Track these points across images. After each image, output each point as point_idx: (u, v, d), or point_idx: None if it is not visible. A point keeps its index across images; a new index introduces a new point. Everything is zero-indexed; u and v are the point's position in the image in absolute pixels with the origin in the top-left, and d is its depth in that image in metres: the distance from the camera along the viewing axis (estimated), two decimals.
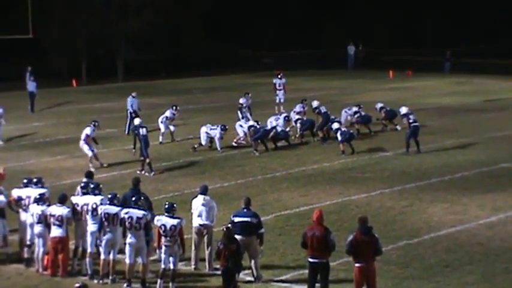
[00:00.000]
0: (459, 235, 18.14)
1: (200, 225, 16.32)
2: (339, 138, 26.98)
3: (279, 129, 28.42)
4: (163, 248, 15.17)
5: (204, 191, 16.53)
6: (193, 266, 16.35)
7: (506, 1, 62.68)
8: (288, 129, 29.32)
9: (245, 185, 23.19)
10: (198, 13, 59.94)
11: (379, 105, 31.75)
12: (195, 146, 28.08)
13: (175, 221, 15.13)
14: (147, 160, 24.75)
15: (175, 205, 15.55)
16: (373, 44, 62.08)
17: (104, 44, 54.91)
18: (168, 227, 15.10)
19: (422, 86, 46.27)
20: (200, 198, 16.43)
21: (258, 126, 28.21)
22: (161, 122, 29.90)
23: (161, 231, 15.18)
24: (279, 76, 37.19)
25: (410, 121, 26.96)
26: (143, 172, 24.55)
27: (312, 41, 65.06)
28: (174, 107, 30.56)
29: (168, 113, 30.16)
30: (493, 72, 49.67)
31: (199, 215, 16.35)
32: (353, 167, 25.13)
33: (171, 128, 30.13)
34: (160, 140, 29.58)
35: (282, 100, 36.42)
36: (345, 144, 26.80)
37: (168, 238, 15.10)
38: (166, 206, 15.37)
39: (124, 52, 55.85)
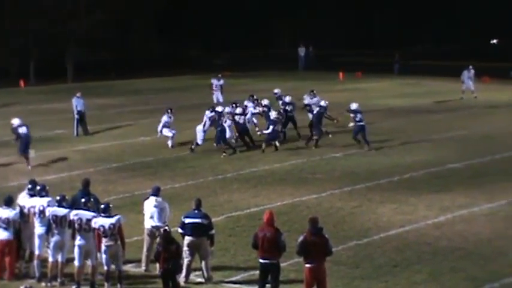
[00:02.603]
0: (408, 235, 18.33)
1: (152, 226, 16.21)
2: (269, 129, 27.42)
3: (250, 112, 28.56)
4: (104, 248, 15.06)
5: (156, 192, 16.43)
6: (143, 268, 16.26)
7: (454, 4, 63.61)
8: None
9: (196, 186, 23.14)
10: (149, 13, 59.67)
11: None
12: (192, 147, 27.56)
13: (113, 220, 15.04)
14: (26, 155, 25.16)
15: (111, 205, 15.46)
16: (324, 46, 62.47)
17: (54, 44, 54.32)
18: (107, 226, 14.99)
19: (371, 88, 46.68)
20: (152, 200, 16.33)
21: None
22: (164, 127, 28.61)
23: (101, 233, 15.06)
24: (218, 77, 37.08)
25: (357, 119, 27.28)
26: (29, 167, 25.04)
27: (263, 42, 65.25)
28: (170, 110, 29.15)
29: (165, 118, 28.77)
30: (442, 74, 50.30)
31: (151, 217, 16.25)
32: (303, 168, 25.24)
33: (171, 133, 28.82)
34: (171, 144, 28.54)
35: (220, 100, 36.35)
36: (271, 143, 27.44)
37: (108, 238, 15.00)
38: (102, 207, 15.27)
39: (74, 52, 55.32)
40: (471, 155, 26.54)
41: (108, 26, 55.08)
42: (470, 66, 41.41)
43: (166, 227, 15.02)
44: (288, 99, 30.25)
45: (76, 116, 31.51)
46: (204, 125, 27.72)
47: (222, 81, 36.93)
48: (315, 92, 31.64)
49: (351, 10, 66.35)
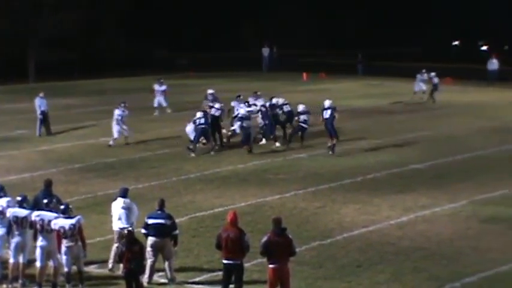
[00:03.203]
0: (371, 235, 18.44)
1: (120, 228, 16.10)
2: (235, 126, 27.31)
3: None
4: (64, 249, 14.95)
5: (123, 194, 16.34)
6: (110, 266, 16.13)
7: (418, 7, 64.10)
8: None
9: (159, 186, 23.06)
10: (114, 13, 59.30)
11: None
12: (190, 146, 27.33)
13: (73, 220, 14.94)
14: None
15: (70, 206, 15.37)
16: (288, 46, 62.57)
17: (15, 43, 53.75)
18: (67, 227, 14.88)
19: (335, 88, 46.82)
20: (120, 201, 16.23)
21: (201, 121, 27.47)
22: (116, 123, 28.47)
23: (61, 234, 14.93)
24: (160, 82, 36.47)
25: (301, 120, 27.81)
26: None
27: (227, 43, 65.13)
28: (123, 104, 29.03)
29: (117, 112, 28.57)
30: (405, 75, 50.57)
31: (119, 218, 16.16)
32: (267, 169, 25.27)
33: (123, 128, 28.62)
34: (111, 143, 28.59)
35: (164, 104, 35.94)
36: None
37: (68, 239, 14.88)
38: (62, 208, 15.15)
39: (36, 52, 54.81)
40: (434, 156, 26.77)
41: (73, 26, 54.63)
42: (424, 70, 42.24)
43: (130, 228, 14.99)
44: (274, 101, 30.14)
45: (39, 116, 31.21)
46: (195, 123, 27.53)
47: (164, 87, 36.14)
48: (258, 93, 31.44)
49: (315, 11, 66.50)
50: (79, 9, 55.29)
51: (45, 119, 31.31)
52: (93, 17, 57.35)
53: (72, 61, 56.72)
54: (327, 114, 27.34)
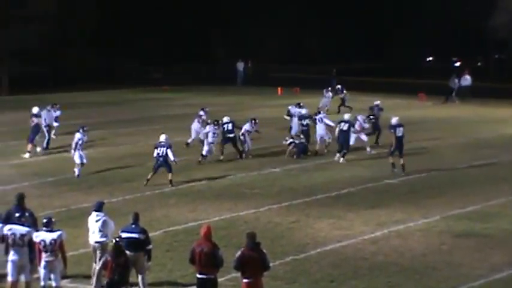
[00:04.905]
0: (344, 250, 18.46)
1: (95, 242, 16.04)
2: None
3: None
4: (43, 263, 14.81)
5: (98, 208, 16.28)
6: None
7: (392, 22, 64.57)
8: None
9: (133, 200, 22.95)
10: (85, 26, 59.12)
11: None
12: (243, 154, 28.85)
13: (55, 235, 14.80)
14: None
15: (53, 219, 15.23)
16: (263, 61, 62.74)
17: None
18: (47, 241, 14.76)
19: (309, 103, 46.76)
20: (94, 215, 16.17)
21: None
22: (77, 148, 26.01)
23: (41, 247, 14.82)
24: (53, 107, 34.63)
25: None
26: None
27: (201, 57, 65.19)
28: (83, 128, 26.79)
29: (78, 135, 26.28)
30: (379, 90, 50.89)
31: (94, 232, 16.08)
32: (242, 183, 25.25)
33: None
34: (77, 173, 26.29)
35: (55, 125, 33.31)
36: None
37: (48, 253, 14.76)
38: (45, 221, 15.02)
39: (9, 64, 54.49)
40: (408, 171, 26.84)
41: (43, 38, 54.43)
42: (329, 88, 44.61)
43: (118, 238, 14.84)
44: (304, 111, 31.91)
45: (45, 129, 30.84)
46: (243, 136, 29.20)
47: (58, 113, 34.13)
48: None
49: (290, 26, 66.77)
50: (47, 22, 55.10)
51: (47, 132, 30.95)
52: (61, 30, 57.15)
53: (45, 74, 56.40)
54: (400, 132, 26.63)
